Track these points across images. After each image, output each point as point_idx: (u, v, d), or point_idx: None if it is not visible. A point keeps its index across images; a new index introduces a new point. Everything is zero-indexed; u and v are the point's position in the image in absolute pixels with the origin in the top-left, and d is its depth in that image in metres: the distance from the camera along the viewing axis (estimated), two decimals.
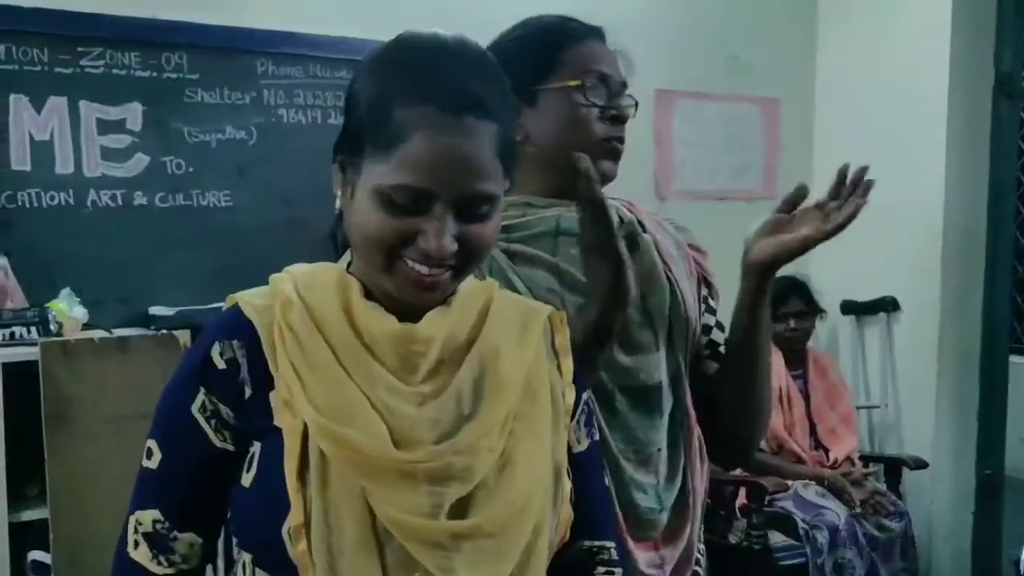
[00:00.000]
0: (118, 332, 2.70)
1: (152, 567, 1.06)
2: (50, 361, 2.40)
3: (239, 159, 3.19)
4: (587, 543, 1.16)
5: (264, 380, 1.02)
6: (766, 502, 3.39)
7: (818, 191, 1.35)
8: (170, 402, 1.06)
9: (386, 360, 1.01)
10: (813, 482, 3.54)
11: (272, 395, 1.02)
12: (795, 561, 3.32)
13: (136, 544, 1.06)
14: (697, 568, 1.47)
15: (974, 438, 3.89)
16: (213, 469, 1.03)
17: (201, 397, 1.03)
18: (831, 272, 4.00)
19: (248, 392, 1.02)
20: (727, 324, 1.47)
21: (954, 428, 3.89)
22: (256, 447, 1.02)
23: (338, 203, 1.06)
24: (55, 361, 2.40)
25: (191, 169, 3.12)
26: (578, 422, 1.16)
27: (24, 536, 2.49)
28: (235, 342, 1.03)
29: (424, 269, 0.98)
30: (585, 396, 1.18)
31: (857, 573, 3.34)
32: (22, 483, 2.49)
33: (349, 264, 1.09)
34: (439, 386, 1.02)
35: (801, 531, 3.35)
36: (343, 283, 1.05)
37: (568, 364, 1.15)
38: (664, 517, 1.39)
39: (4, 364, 2.41)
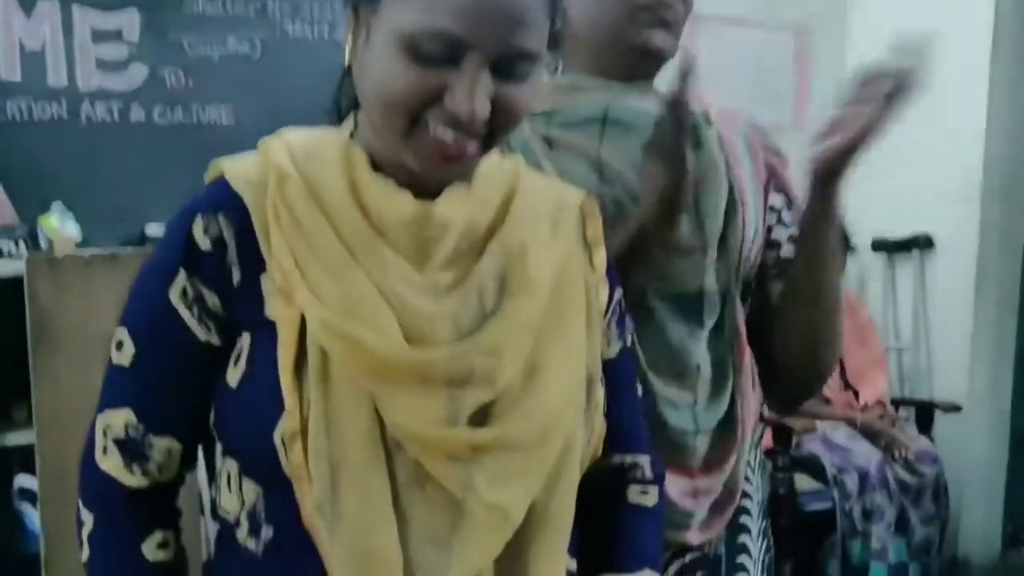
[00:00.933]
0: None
1: (124, 477, 0.93)
2: (36, 278, 2.25)
3: (242, 74, 3.03)
4: (617, 458, 1.04)
5: (254, 264, 0.88)
6: (793, 444, 3.24)
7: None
8: (146, 287, 0.92)
9: (398, 245, 0.87)
10: (843, 424, 3.38)
11: (264, 280, 0.88)
12: (822, 506, 3.18)
13: (105, 450, 0.93)
14: (746, 504, 1.31)
15: (1010, 384, 3.72)
16: (195, 364, 0.90)
17: (182, 281, 0.88)
18: (861, 208, 3.78)
19: (236, 277, 0.88)
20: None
21: (989, 373, 3.71)
22: (244, 340, 0.88)
23: (347, 57, 0.91)
24: (42, 278, 2.25)
25: (191, 83, 2.96)
26: (609, 323, 1.02)
27: (11, 461, 2.38)
28: (220, 217, 0.88)
29: (449, 135, 0.83)
30: (618, 295, 1.04)
31: (887, 518, 3.19)
32: (8, 406, 2.37)
33: (352, 134, 0.94)
34: (457, 278, 0.89)
35: (829, 475, 3.20)
36: (348, 154, 0.90)
37: (601, 257, 1.01)
38: (702, 442, 1.23)
39: None
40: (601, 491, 1.02)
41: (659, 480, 1.07)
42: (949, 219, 3.73)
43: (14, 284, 2.27)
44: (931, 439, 3.52)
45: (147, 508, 0.95)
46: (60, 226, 2.59)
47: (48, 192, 2.71)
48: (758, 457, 1.37)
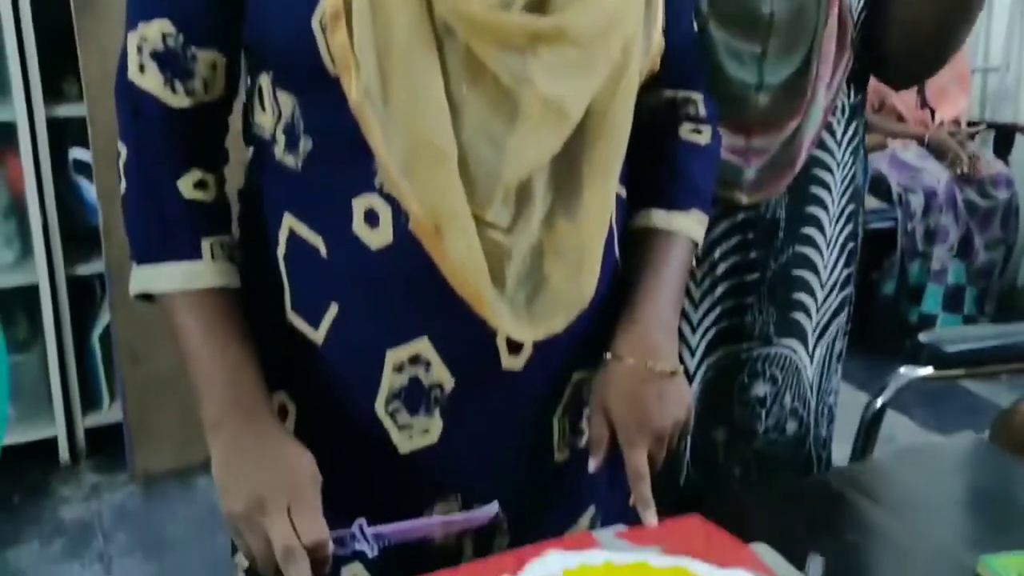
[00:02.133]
0: None
1: (165, 95, 0.84)
2: None
3: None
4: (670, 93, 0.98)
5: None
6: None
7: None
8: None
9: None
10: (913, 142, 3.25)
11: None
12: (884, 225, 3.12)
13: (142, 68, 0.84)
14: (821, 175, 1.22)
15: None
16: None
17: None
18: None
19: None
20: None
21: None
22: None
23: None
24: None
25: None
26: None
27: (64, 135, 2.37)
28: None
29: None
30: None
31: (950, 239, 3.13)
32: (59, 78, 2.33)
33: None
34: None
35: (895, 194, 3.11)
36: None
37: None
38: (764, 98, 1.14)
39: None
40: (653, 127, 0.97)
41: (712, 120, 1.02)
42: None
43: None
44: (1007, 163, 3.38)
45: (187, 138, 0.87)
46: None
47: None
48: (852, 132, 1.26)
